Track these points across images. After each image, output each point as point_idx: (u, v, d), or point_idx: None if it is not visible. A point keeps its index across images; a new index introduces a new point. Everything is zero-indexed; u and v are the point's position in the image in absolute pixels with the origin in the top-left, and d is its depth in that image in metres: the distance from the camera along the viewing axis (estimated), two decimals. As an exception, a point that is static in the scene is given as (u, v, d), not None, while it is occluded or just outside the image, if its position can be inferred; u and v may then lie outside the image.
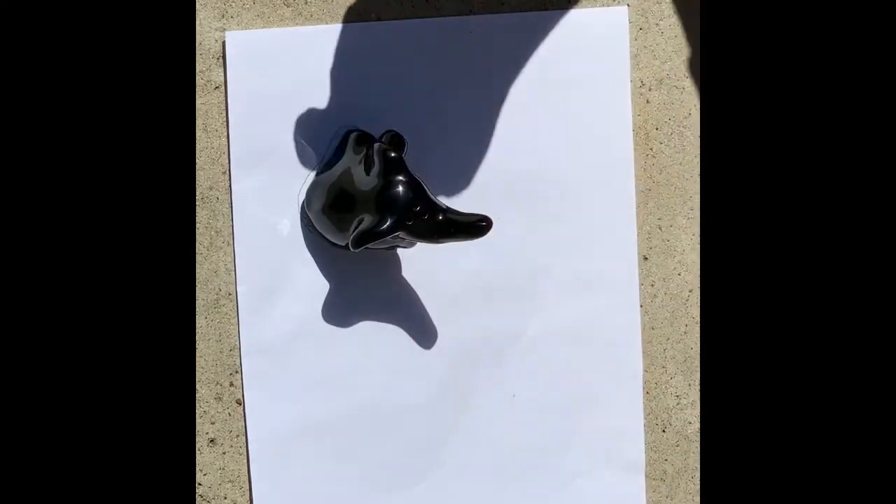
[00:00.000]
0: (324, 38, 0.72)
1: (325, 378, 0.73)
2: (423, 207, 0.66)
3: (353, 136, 0.71)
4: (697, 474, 0.79)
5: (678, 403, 0.79)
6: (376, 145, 0.67)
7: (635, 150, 0.76)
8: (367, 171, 0.67)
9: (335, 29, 0.72)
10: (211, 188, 0.72)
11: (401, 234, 0.66)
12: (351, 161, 0.69)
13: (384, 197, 0.66)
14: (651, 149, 0.77)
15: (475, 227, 0.67)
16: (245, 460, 0.73)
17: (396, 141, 0.69)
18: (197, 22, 0.71)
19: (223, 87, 0.71)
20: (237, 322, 0.72)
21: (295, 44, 0.71)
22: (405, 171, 0.66)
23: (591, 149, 0.75)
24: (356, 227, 0.66)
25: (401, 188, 0.66)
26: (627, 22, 0.75)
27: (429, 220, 0.66)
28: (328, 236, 0.70)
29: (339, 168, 0.70)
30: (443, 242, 0.67)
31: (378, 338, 0.74)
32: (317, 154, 0.72)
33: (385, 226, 0.66)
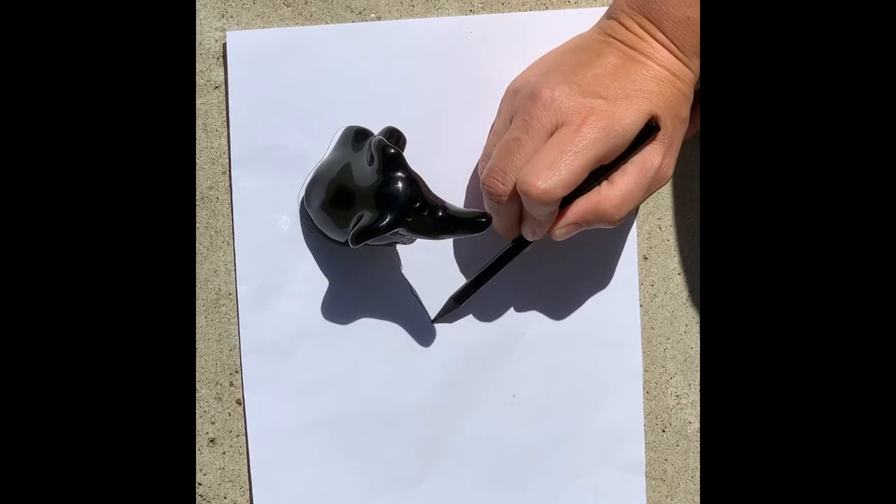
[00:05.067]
0: (324, 38, 0.72)
1: (325, 378, 0.73)
2: (423, 203, 0.66)
3: (352, 131, 0.71)
4: (697, 474, 0.79)
5: (678, 403, 0.79)
6: (375, 140, 0.67)
7: (635, 150, 0.76)
8: (367, 166, 0.67)
9: (335, 29, 0.72)
10: (211, 188, 0.72)
11: (400, 230, 0.66)
12: (350, 157, 0.69)
13: (383, 193, 0.66)
14: (651, 149, 0.77)
15: (474, 222, 0.67)
16: (245, 460, 0.73)
17: (395, 136, 0.69)
18: (197, 22, 0.71)
19: (223, 87, 0.71)
20: (237, 322, 0.72)
21: (295, 44, 0.71)
22: (404, 167, 0.66)
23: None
24: (355, 224, 0.67)
25: (400, 184, 0.66)
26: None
27: (428, 217, 0.66)
28: (328, 233, 0.71)
29: (338, 164, 0.70)
30: (442, 238, 0.67)
31: (378, 336, 0.74)
32: (317, 154, 0.72)
33: (384, 222, 0.66)
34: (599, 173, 0.68)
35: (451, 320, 0.75)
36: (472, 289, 0.73)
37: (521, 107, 0.68)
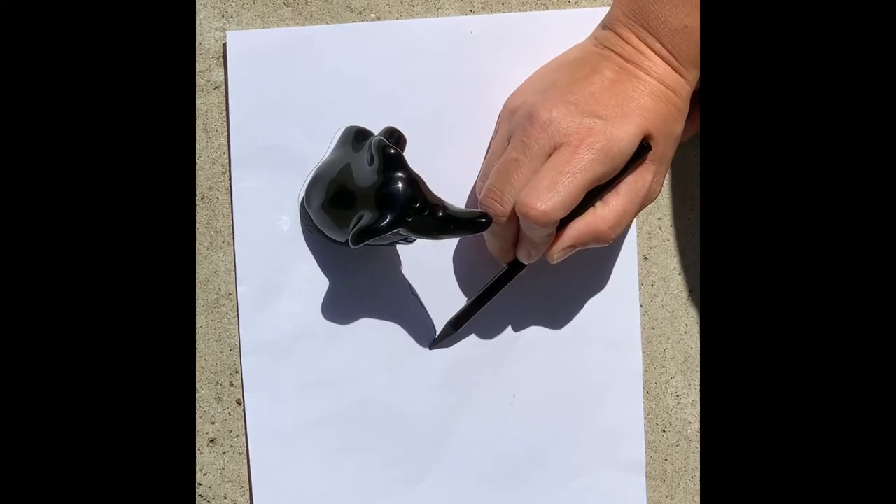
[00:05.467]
0: (324, 38, 0.72)
1: (325, 378, 0.73)
2: (423, 203, 0.66)
3: (352, 131, 0.71)
4: (697, 474, 0.79)
5: (678, 403, 0.79)
6: (375, 140, 0.67)
7: (635, 150, 0.76)
8: (367, 166, 0.67)
9: (335, 29, 0.72)
10: (211, 188, 0.72)
11: (400, 230, 0.66)
12: (350, 157, 0.69)
13: (383, 193, 0.66)
14: (651, 149, 0.77)
15: (474, 222, 0.67)
16: (245, 460, 0.73)
17: (395, 136, 0.69)
18: (197, 22, 0.71)
19: (223, 87, 0.71)
20: (237, 322, 0.72)
21: (295, 44, 0.71)
22: (404, 167, 0.66)
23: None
24: (356, 224, 0.67)
25: (400, 184, 0.66)
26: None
27: (428, 217, 0.66)
28: (328, 233, 0.71)
29: (338, 164, 0.70)
30: (442, 238, 0.68)
31: (378, 336, 0.74)
32: (317, 154, 0.72)
33: (384, 222, 0.66)
34: (594, 194, 0.68)
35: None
36: (469, 314, 0.73)
37: (518, 127, 0.68)
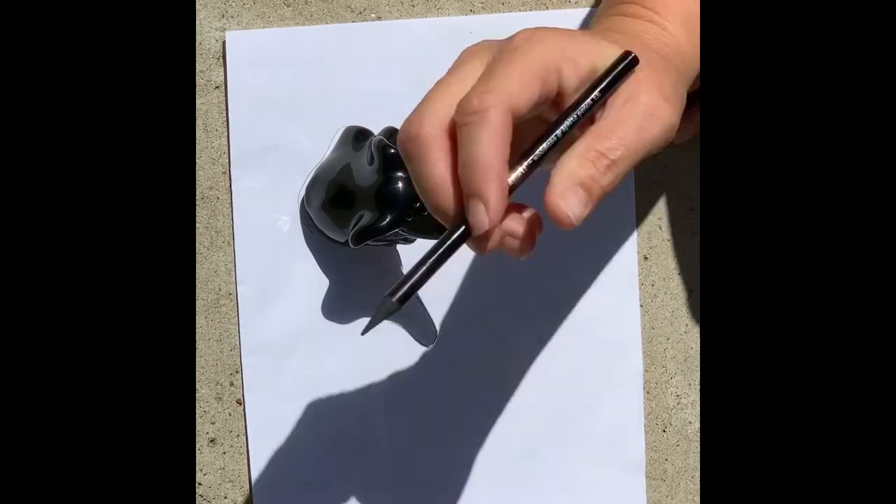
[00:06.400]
0: (324, 38, 0.72)
1: (325, 378, 0.73)
2: (423, 204, 0.66)
3: (352, 131, 0.71)
4: (697, 474, 0.79)
5: (678, 403, 0.79)
6: (375, 140, 0.67)
7: (635, 150, 0.76)
8: (367, 166, 0.67)
9: (335, 29, 0.72)
10: (211, 188, 0.72)
11: (400, 230, 0.66)
12: (350, 157, 0.70)
13: (383, 193, 0.66)
14: (651, 149, 0.77)
15: None
16: (245, 460, 0.73)
17: (395, 136, 0.69)
18: (197, 22, 0.71)
19: (223, 87, 0.71)
20: (237, 322, 0.72)
21: (295, 44, 0.71)
22: (404, 167, 0.66)
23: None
24: (356, 224, 0.67)
25: (400, 184, 0.66)
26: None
27: (428, 217, 0.66)
28: (328, 233, 0.71)
29: (338, 164, 0.70)
30: None
31: (377, 336, 0.74)
32: (317, 154, 0.72)
33: (384, 222, 0.66)
34: (548, 143, 0.53)
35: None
36: (415, 287, 0.57)
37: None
